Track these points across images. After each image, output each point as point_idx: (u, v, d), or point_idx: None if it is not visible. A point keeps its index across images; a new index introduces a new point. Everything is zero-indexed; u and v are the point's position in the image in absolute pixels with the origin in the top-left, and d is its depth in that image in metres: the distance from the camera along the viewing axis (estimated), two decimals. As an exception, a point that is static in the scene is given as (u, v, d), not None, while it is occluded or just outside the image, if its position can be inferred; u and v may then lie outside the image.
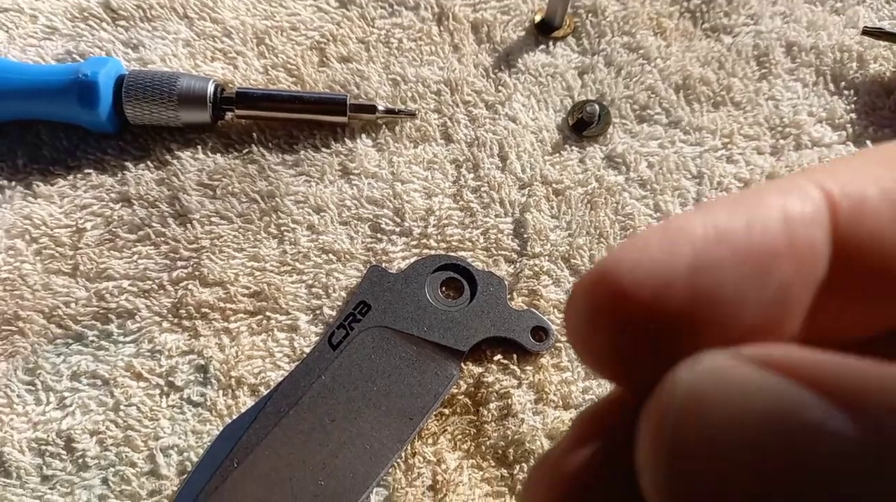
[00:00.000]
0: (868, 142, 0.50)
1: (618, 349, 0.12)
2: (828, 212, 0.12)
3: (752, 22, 0.54)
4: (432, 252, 0.45)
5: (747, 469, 0.10)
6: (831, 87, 0.52)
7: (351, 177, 0.48)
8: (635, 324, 0.12)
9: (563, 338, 0.43)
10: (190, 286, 0.44)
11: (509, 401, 0.41)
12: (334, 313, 0.43)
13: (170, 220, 0.45)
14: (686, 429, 0.11)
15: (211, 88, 0.47)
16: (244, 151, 0.48)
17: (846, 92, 0.52)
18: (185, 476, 0.39)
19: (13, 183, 0.46)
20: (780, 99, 0.51)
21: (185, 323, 0.43)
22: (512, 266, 0.45)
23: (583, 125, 0.50)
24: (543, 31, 0.54)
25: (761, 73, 0.52)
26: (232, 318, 0.43)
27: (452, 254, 0.45)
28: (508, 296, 0.44)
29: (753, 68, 0.52)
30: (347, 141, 0.49)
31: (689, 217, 0.12)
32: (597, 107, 0.49)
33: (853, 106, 0.51)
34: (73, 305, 0.43)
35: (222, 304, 0.43)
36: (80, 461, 0.39)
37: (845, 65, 0.52)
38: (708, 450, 0.10)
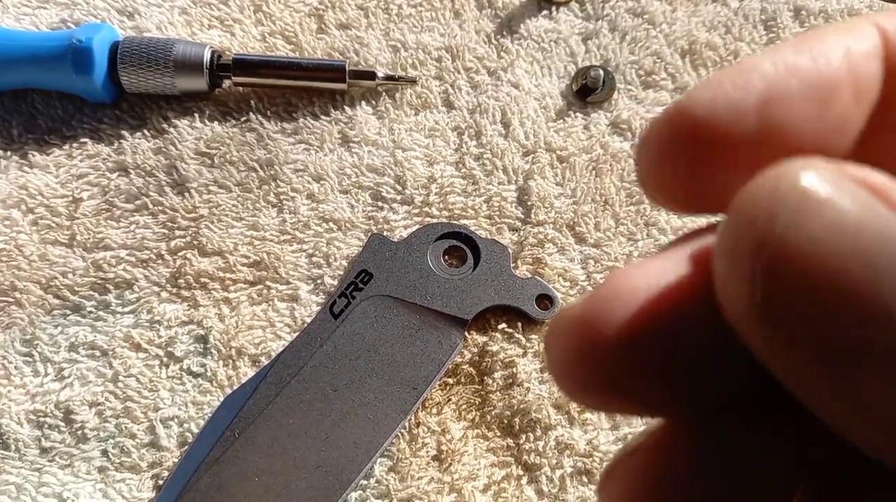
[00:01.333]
0: (878, 106, 0.49)
1: (691, 179, 0.13)
2: (882, 47, 0.13)
3: (760, -15, 0.53)
4: (434, 220, 0.45)
5: (861, 283, 0.10)
6: (840, 51, 0.51)
7: (351, 144, 0.47)
8: (708, 155, 0.13)
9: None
10: (188, 256, 0.43)
11: (514, 370, 0.40)
12: (335, 282, 0.43)
13: (167, 190, 0.45)
14: (795, 228, 0.11)
15: (207, 55, 0.46)
16: (242, 119, 0.47)
17: (855, 56, 0.51)
18: (185, 447, 0.39)
19: (8, 153, 0.46)
20: (789, 63, 0.50)
21: (185, 293, 0.42)
22: (516, 234, 0.45)
23: (587, 91, 0.49)
24: (546, -4, 0.52)
25: (769, 37, 0.51)
26: (231, 288, 0.42)
27: (455, 222, 0.45)
28: (512, 264, 0.43)
29: (761, 33, 0.51)
30: (347, 108, 0.48)
31: (758, 57, 0.13)
32: (601, 72, 0.48)
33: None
34: (70, 276, 0.42)
35: (222, 274, 0.43)
36: (80, 433, 0.39)
37: (854, 28, 0.51)
38: (819, 255, 0.10)
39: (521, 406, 0.39)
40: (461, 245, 0.43)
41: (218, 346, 0.41)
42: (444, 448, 0.39)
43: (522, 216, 0.45)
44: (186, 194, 0.44)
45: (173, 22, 0.50)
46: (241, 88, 0.48)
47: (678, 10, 0.52)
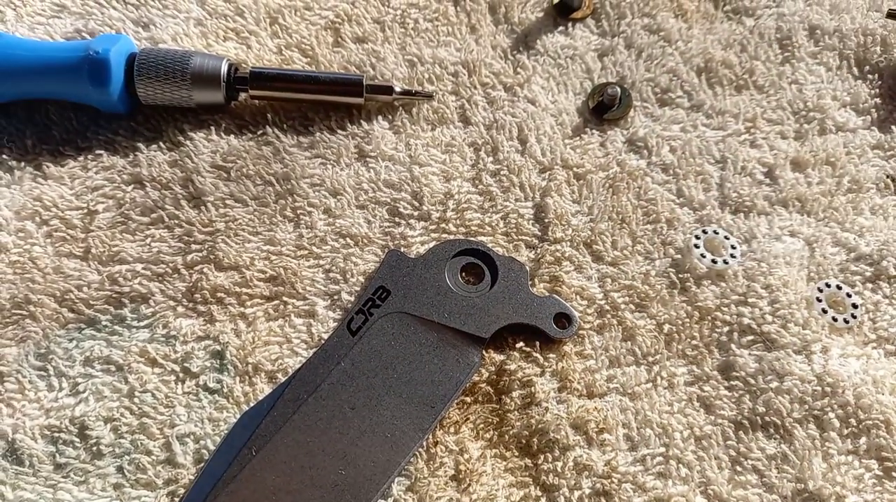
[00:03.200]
0: (894, 127, 0.49)
1: None
2: None
3: (774, 4, 0.53)
4: (451, 236, 0.44)
5: None
6: (855, 70, 0.51)
7: (367, 159, 0.47)
8: None
9: (587, 326, 0.42)
10: (205, 270, 0.43)
11: (532, 390, 0.40)
12: (352, 298, 0.42)
13: (183, 203, 0.44)
14: None
15: (225, 67, 0.46)
16: (258, 133, 0.47)
17: (870, 76, 0.51)
18: (201, 464, 0.38)
19: (22, 163, 0.45)
20: (804, 83, 0.50)
21: (201, 307, 0.42)
22: (533, 251, 0.44)
23: (603, 108, 0.49)
24: (562, 13, 0.52)
25: (784, 56, 0.51)
26: (248, 303, 0.42)
27: (472, 238, 0.44)
28: (530, 282, 0.43)
29: (776, 51, 0.51)
30: (363, 123, 0.48)
31: None
32: (618, 89, 0.48)
33: (877, 90, 0.50)
34: (85, 289, 0.42)
35: (238, 289, 0.42)
36: (95, 449, 0.38)
37: (869, 48, 0.52)
38: None
39: (540, 425, 0.39)
40: (478, 262, 0.43)
41: (234, 362, 0.40)
42: (462, 467, 0.38)
43: (539, 233, 0.45)
44: (203, 208, 0.44)
45: (189, 33, 0.50)
46: (257, 101, 0.48)
47: (693, 27, 0.52)
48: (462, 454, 0.39)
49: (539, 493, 0.38)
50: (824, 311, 0.42)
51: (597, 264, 0.44)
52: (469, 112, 0.48)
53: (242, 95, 0.48)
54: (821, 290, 0.43)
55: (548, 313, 0.42)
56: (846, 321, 0.42)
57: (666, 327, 0.42)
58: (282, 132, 0.47)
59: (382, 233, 0.44)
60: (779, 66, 0.51)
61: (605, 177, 0.47)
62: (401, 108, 0.48)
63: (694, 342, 0.42)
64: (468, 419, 0.40)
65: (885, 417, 0.39)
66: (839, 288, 0.43)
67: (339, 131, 0.47)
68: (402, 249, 0.44)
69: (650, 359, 0.41)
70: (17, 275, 0.42)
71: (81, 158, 0.46)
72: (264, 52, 0.50)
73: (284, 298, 0.42)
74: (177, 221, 0.44)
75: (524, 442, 0.39)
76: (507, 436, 0.39)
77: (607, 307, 0.43)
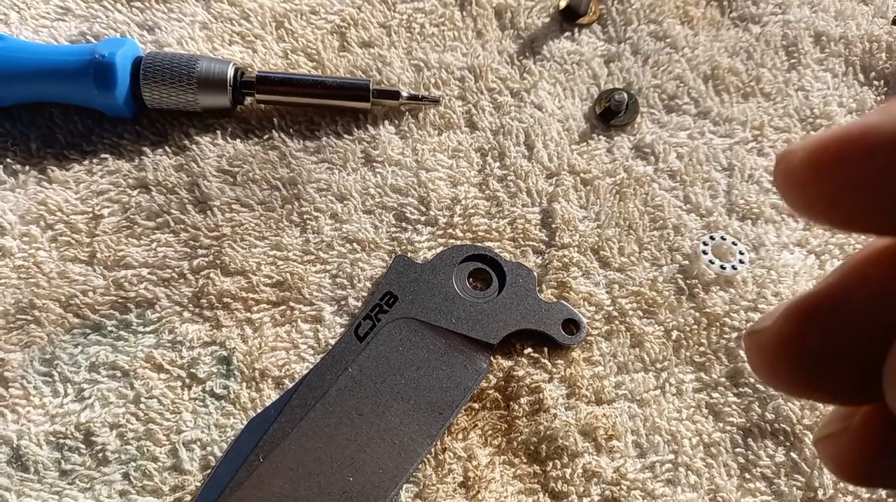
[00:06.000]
0: (900, 134, 0.49)
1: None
2: None
3: (780, 11, 0.53)
4: (458, 242, 0.44)
5: None
6: (861, 77, 0.51)
7: (374, 164, 0.46)
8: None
9: (594, 332, 0.42)
10: (211, 275, 0.42)
11: (540, 396, 0.40)
12: (360, 304, 0.42)
13: (189, 207, 0.44)
14: None
15: (231, 72, 0.46)
16: (265, 137, 0.47)
17: (876, 82, 0.51)
18: (208, 471, 0.38)
19: (27, 167, 0.45)
20: (810, 90, 0.50)
21: (207, 313, 0.42)
22: (540, 257, 0.44)
23: (610, 114, 0.49)
24: (568, 18, 0.52)
25: (790, 63, 0.51)
26: (255, 309, 0.42)
27: (479, 244, 0.44)
28: (537, 288, 0.43)
29: (782, 58, 0.51)
30: (370, 127, 0.47)
31: None
32: (625, 95, 0.48)
33: (883, 97, 0.50)
34: (90, 294, 0.41)
35: (244, 294, 0.42)
36: (100, 455, 0.38)
37: (874, 55, 0.52)
38: None
39: (548, 432, 0.39)
40: (486, 268, 0.43)
41: (241, 368, 0.40)
42: (470, 474, 0.38)
43: (546, 239, 0.45)
44: (209, 212, 0.44)
45: (194, 37, 0.50)
46: (263, 106, 0.48)
47: (700, 34, 0.52)
48: (470, 460, 0.38)
49: (548, 500, 0.38)
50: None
51: (604, 270, 0.44)
52: (476, 117, 0.48)
53: (248, 99, 0.47)
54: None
55: (556, 319, 0.42)
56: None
57: (674, 333, 0.42)
58: (288, 136, 0.47)
59: (389, 239, 0.44)
60: (785, 73, 0.51)
61: (613, 183, 0.46)
62: (407, 113, 0.48)
63: (702, 348, 0.42)
64: (476, 425, 0.40)
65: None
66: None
67: (345, 136, 0.47)
68: (409, 254, 0.43)
69: (658, 365, 0.41)
70: (22, 280, 0.42)
71: (86, 162, 0.45)
72: (270, 57, 0.50)
73: (291, 303, 0.42)
74: (182, 226, 0.44)
75: (533, 448, 0.39)
76: (515, 443, 0.39)
77: (615, 313, 0.43)
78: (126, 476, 0.38)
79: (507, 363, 0.41)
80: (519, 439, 0.39)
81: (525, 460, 0.39)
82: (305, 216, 0.44)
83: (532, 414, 0.40)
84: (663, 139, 0.48)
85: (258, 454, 0.38)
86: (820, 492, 0.38)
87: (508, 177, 0.46)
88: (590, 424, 0.39)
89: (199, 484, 0.38)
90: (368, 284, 0.43)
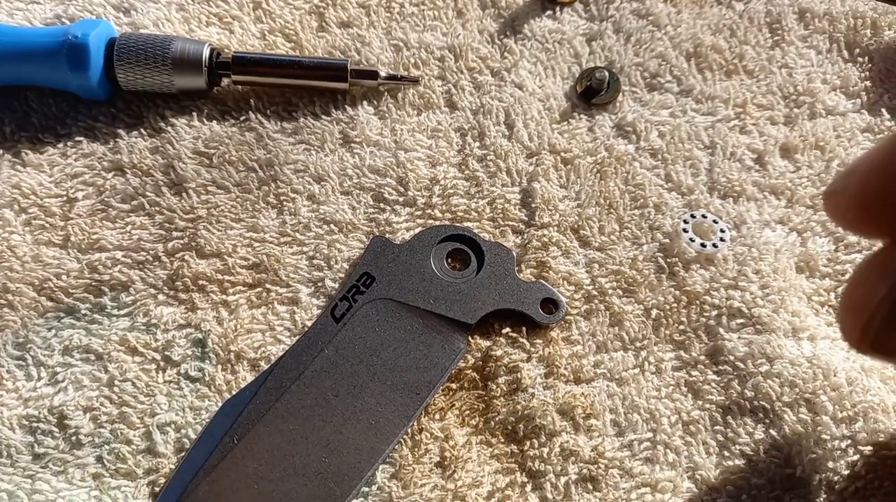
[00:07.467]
0: (883, 110, 0.48)
1: None
2: None
3: (764, -12, 0.53)
4: (437, 222, 0.44)
5: None
6: (845, 54, 0.50)
7: (352, 145, 0.46)
8: None
9: (574, 311, 0.42)
10: (186, 257, 0.42)
11: (518, 376, 0.40)
12: (336, 285, 0.42)
13: (164, 190, 0.44)
14: None
15: (206, 52, 0.45)
16: (241, 119, 0.46)
17: (860, 59, 0.50)
18: (182, 453, 0.38)
19: (1, 151, 0.45)
20: (794, 66, 0.50)
21: (182, 295, 0.41)
22: (519, 237, 0.44)
23: (591, 93, 0.48)
24: (550, -3, 0.52)
25: (774, 40, 0.51)
26: (230, 291, 0.41)
27: (458, 224, 0.44)
28: (516, 268, 0.42)
29: (766, 35, 0.51)
30: (348, 108, 0.47)
31: None
32: (606, 73, 0.48)
33: (867, 73, 0.50)
34: (64, 277, 0.41)
35: (220, 276, 0.42)
36: (74, 438, 0.38)
37: (859, 31, 0.51)
38: None
39: (526, 411, 0.39)
40: (465, 248, 0.43)
41: (216, 350, 0.40)
42: (447, 454, 0.38)
43: (526, 219, 0.44)
44: (184, 194, 0.44)
45: (170, 18, 0.49)
46: (240, 87, 0.47)
47: (683, 12, 0.51)
48: (447, 441, 0.38)
49: (525, 479, 0.38)
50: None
51: (584, 249, 0.44)
52: (455, 97, 0.48)
53: (225, 81, 0.47)
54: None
55: (534, 298, 0.41)
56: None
57: (654, 312, 0.41)
58: (265, 118, 0.46)
59: (367, 220, 0.44)
60: (769, 51, 0.50)
61: (593, 162, 0.46)
62: (386, 93, 0.48)
63: (682, 327, 0.41)
64: (453, 405, 0.39)
65: (879, 399, 0.38)
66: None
67: (323, 117, 0.47)
68: (387, 235, 0.43)
69: (637, 344, 0.41)
70: (-4, 264, 0.41)
71: (61, 145, 0.45)
72: (247, 38, 0.49)
73: (267, 285, 0.42)
74: (158, 208, 0.43)
75: (510, 428, 0.39)
76: (492, 423, 0.39)
77: (594, 292, 0.42)
78: (100, 459, 0.37)
79: (485, 343, 0.41)
80: (496, 419, 0.39)
81: (502, 440, 0.39)
82: (282, 197, 0.44)
83: (510, 394, 0.39)
84: (645, 117, 0.48)
85: (233, 436, 0.37)
86: (798, 470, 0.37)
87: (488, 157, 0.46)
88: (568, 403, 0.39)
89: (173, 466, 0.37)
90: (346, 266, 0.42)
